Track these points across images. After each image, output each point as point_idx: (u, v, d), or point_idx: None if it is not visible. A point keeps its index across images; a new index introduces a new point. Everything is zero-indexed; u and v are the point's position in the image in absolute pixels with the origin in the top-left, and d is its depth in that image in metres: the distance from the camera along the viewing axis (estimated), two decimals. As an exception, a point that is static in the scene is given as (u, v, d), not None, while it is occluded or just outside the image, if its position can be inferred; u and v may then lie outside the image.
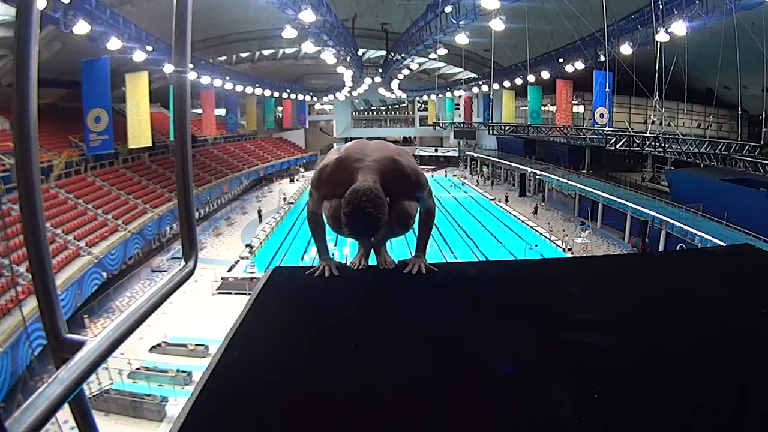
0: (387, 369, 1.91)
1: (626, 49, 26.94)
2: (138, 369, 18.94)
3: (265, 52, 54.21)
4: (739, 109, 27.00)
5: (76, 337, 0.87)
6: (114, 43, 24.10)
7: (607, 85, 31.55)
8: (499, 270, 3.13)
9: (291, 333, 2.27)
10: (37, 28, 0.79)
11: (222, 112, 52.77)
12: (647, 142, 25.29)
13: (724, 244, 24.87)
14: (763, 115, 30.08)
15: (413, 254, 2.83)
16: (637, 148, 27.05)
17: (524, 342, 2.06)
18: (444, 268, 2.80)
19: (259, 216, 44.23)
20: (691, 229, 27.96)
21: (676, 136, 28.41)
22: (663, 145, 25.88)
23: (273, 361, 2.00)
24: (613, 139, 24.84)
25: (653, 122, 29.12)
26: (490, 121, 51.16)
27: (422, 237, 2.88)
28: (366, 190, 2.31)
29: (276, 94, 58.35)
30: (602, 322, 2.24)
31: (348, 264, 2.78)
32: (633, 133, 25.75)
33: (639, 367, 1.86)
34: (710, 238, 26.38)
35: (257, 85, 51.45)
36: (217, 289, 26.61)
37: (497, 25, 22.26)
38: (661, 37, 23.19)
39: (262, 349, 2.12)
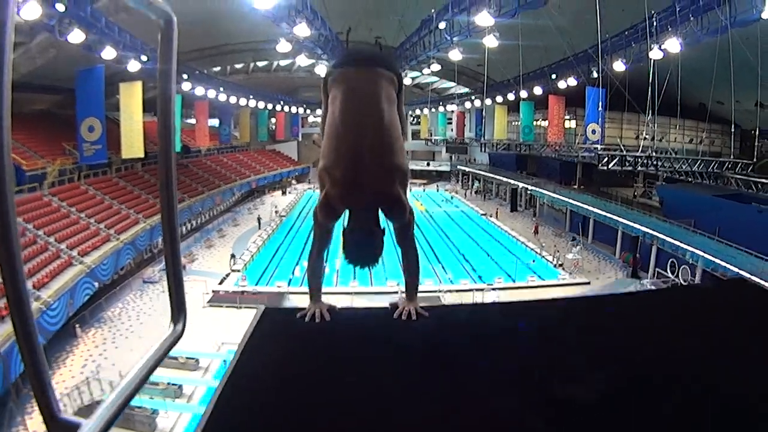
0: (380, 419, 1.92)
1: (619, 66, 27.12)
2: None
3: (260, 64, 54.26)
4: (732, 126, 27.15)
5: (71, 418, 0.84)
6: (109, 53, 24.11)
7: (600, 103, 31.76)
8: (491, 314, 3.11)
9: (285, 382, 2.25)
10: (13, 23, 0.74)
11: (215, 122, 52.82)
12: (639, 161, 25.38)
13: (717, 260, 25.12)
14: (757, 130, 30.41)
15: (405, 298, 2.82)
16: (629, 168, 27.13)
17: (512, 401, 2.05)
18: (435, 312, 2.78)
19: (259, 223, 45.24)
20: (682, 245, 28.09)
21: (668, 155, 28.59)
22: (655, 163, 25.98)
23: (267, 413, 1.99)
24: (606, 158, 24.91)
25: (645, 138, 29.31)
26: (483, 136, 51.44)
27: (411, 281, 2.88)
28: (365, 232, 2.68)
29: (270, 106, 58.35)
30: (592, 373, 2.24)
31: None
32: (625, 153, 25.84)
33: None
34: (701, 253, 26.52)
35: (251, 96, 51.47)
36: (208, 302, 26.43)
37: (491, 41, 22.40)
38: (655, 54, 23.35)
39: (256, 398, 2.10)
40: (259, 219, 46.20)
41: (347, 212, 2.77)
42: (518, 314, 3.04)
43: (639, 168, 26.94)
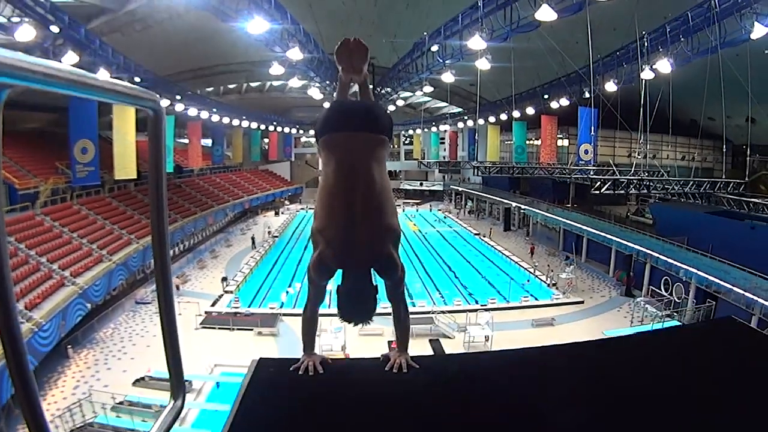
0: None
1: (611, 87, 27.34)
2: (121, 403, 18.56)
3: (253, 84, 54.57)
4: (723, 145, 27.36)
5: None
6: (102, 74, 24.05)
7: (592, 125, 31.98)
8: (481, 365, 3.12)
9: None
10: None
11: (208, 142, 52.88)
12: (632, 184, 25.56)
13: (711, 277, 25.17)
14: (748, 145, 30.66)
15: (396, 350, 2.91)
16: (621, 191, 27.31)
17: None
18: (425, 363, 2.85)
19: (253, 242, 45.32)
20: (675, 262, 28.15)
21: (660, 175, 28.74)
22: (647, 185, 26.15)
23: None
24: (598, 182, 25.07)
25: (637, 156, 29.49)
26: (476, 157, 51.62)
27: (402, 335, 2.96)
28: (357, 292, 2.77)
29: (263, 127, 58.55)
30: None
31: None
32: (617, 177, 25.99)
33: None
34: (695, 271, 26.60)
35: (244, 117, 51.62)
36: (200, 324, 26.22)
37: (483, 64, 22.52)
38: (646, 74, 23.57)
39: None
40: (253, 239, 46.30)
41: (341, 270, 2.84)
42: (508, 364, 3.07)
43: (631, 191, 27.05)
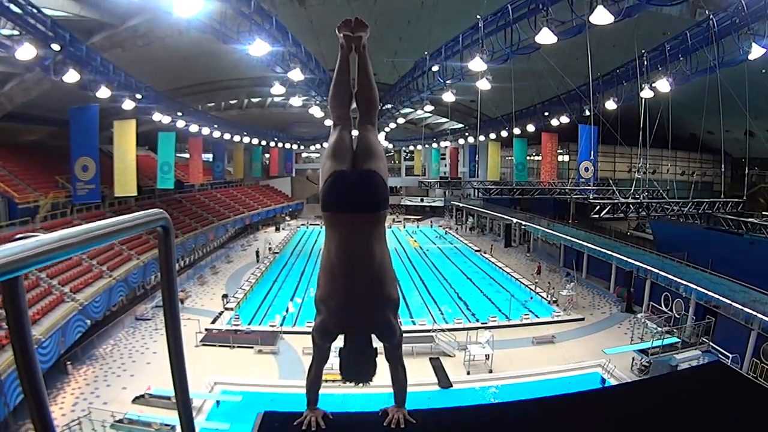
0: None
1: (611, 105, 27.42)
2: (120, 421, 18.47)
3: (254, 99, 54.77)
4: (722, 161, 27.43)
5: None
6: (103, 92, 24.22)
7: (592, 143, 32.08)
8: (480, 418, 3.15)
9: None
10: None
11: (209, 157, 53.01)
12: (631, 207, 25.64)
13: (710, 293, 25.10)
14: (746, 159, 30.73)
15: (395, 405, 3.03)
16: (621, 216, 27.40)
17: None
18: (421, 418, 2.95)
19: (257, 257, 45.87)
20: (675, 278, 28.14)
21: (659, 195, 28.81)
22: (647, 207, 26.22)
23: None
24: (598, 207, 25.15)
25: (637, 172, 29.56)
26: (476, 172, 51.77)
27: (400, 392, 3.08)
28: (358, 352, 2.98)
29: (263, 142, 58.72)
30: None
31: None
32: (617, 201, 26.05)
33: None
34: (694, 286, 26.60)
35: (245, 133, 51.77)
36: (201, 341, 26.10)
37: (484, 84, 22.59)
38: (646, 93, 23.66)
39: None
40: (257, 252, 46.75)
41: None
42: (504, 417, 3.13)
43: (630, 214, 27.14)
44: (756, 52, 17.56)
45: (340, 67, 3.12)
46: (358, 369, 3.03)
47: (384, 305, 2.96)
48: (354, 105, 3.20)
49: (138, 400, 20.22)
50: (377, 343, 3.05)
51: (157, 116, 32.53)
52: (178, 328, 1.47)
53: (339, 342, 3.04)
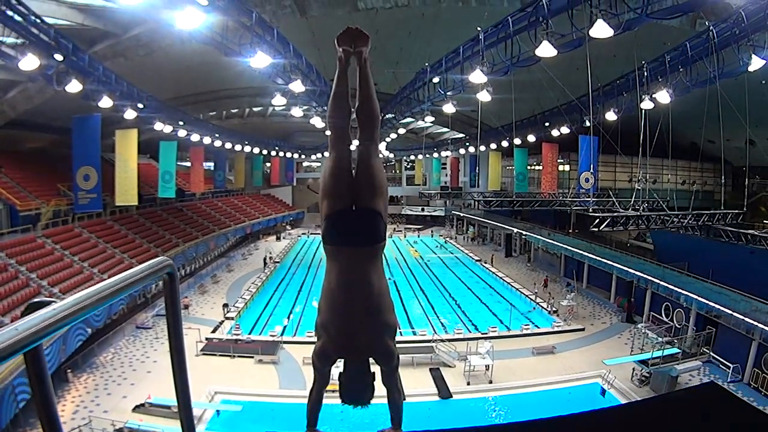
0: None
1: (611, 116, 27.48)
2: (120, 430, 18.46)
3: (255, 108, 54.86)
4: (722, 171, 27.46)
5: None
6: (105, 102, 24.32)
7: (592, 152, 32.14)
8: None
9: None
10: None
11: (211, 165, 53.10)
12: (631, 220, 25.69)
13: (711, 303, 25.09)
14: (746, 168, 30.78)
15: (390, 428, 3.13)
16: (620, 229, 27.47)
17: None
18: None
19: (264, 263, 46.69)
20: (676, 288, 28.14)
21: (659, 206, 28.85)
22: (647, 221, 26.28)
23: None
24: (597, 220, 25.22)
25: (639, 181, 29.60)
26: (477, 182, 51.80)
27: (395, 414, 3.16)
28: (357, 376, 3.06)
29: (264, 151, 58.82)
30: None
31: None
32: (616, 214, 26.10)
33: None
34: (695, 296, 26.62)
35: (246, 142, 51.86)
36: (201, 350, 26.12)
37: (484, 96, 22.66)
38: (646, 104, 23.71)
39: None
40: (265, 259, 47.59)
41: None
42: None
43: (630, 227, 27.20)
44: (756, 63, 17.61)
45: (338, 80, 3.15)
46: (356, 393, 3.08)
47: (382, 331, 3.05)
48: (354, 116, 3.19)
49: (138, 408, 20.25)
50: (374, 368, 3.11)
51: (158, 125, 32.62)
52: (185, 370, 1.53)
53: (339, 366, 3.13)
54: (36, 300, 1.05)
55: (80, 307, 1.06)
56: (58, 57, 19.80)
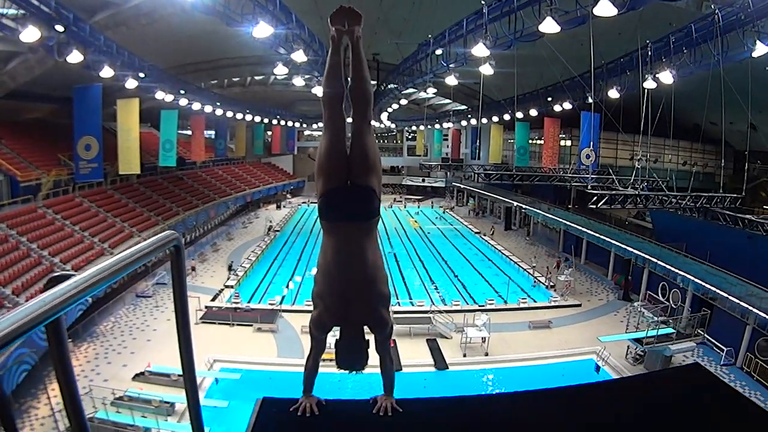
0: None
1: (614, 94, 27.30)
2: (121, 398, 18.73)
3: (257, 77, 54.43)
4: (722, 155, 27.37)
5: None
6: (107, 72, 24.17)
7: (592, 129, 32.02)
8: (461, 408, 3.38)
9: None
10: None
11: (211, 133, 52.90)
12: (629, 199, 25.72)
13: (707, 285, 25.22)
14: (747, 152, 30.70)
15: (383, 395, 3.27)
16: (618, 207, 27.51)
17: None
18: (407, 407, 3.19)
19: (268, 231, 47.59)
20: (673, 269, 28.28)
21: (658, 186, 28.86)
22: (645, 201, 26.31)
23: None
24: (595, 197, 25.25)
25: (640, 159, 29.57)
26: (478, 154, 51.65)
27: (387, 381, 3.31)
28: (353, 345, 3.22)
29: (266, 120, 58.53)
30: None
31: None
32: (615, 192, 26.13)
33: None
34: (692, 278, 26.73)
35: (247, 110, 51.55)
36: (200, 319, 26.38)
37: (487, 70, 22.49)
38: (649, 84, 23.55)
39: None
40: (268, 229, 48.26)
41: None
42: (488, 413, 3.31)
43: (628, 205, 27.24)
44: (760, 49, 17.49)
45: (332, 56, 3.18)
46: (351, 359, 3.26)
47: (377, 301, 3.21)
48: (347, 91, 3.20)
49: (138, 377, 20.52)
50: (369, 336, 3.27)
51: (159, 94, 32.43)
52: (189, 338, 1.63)
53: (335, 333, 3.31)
54: (56, 274, 1.17)
55: (97, 279, 1.19)
56: (59, 28, 19.62)
